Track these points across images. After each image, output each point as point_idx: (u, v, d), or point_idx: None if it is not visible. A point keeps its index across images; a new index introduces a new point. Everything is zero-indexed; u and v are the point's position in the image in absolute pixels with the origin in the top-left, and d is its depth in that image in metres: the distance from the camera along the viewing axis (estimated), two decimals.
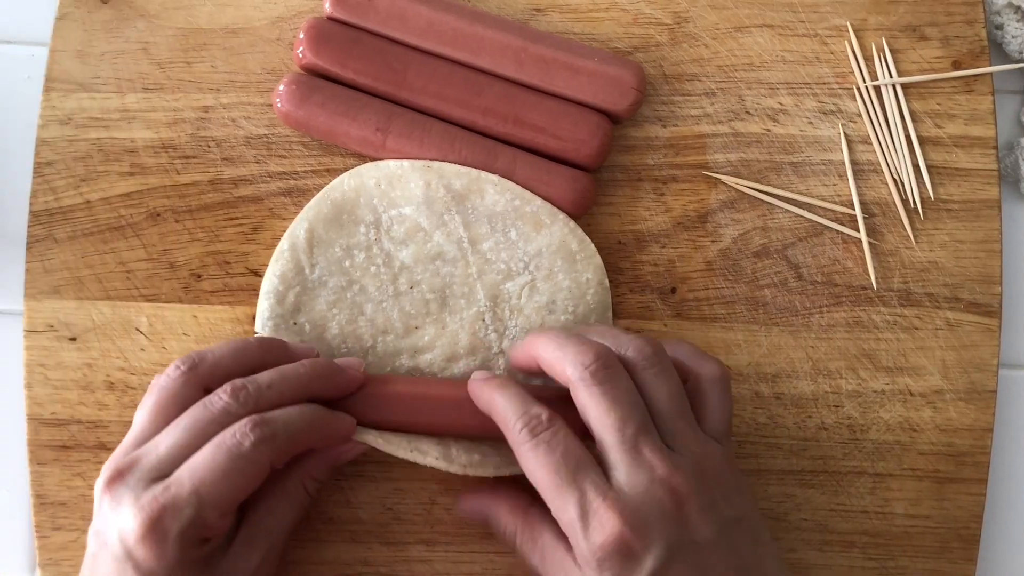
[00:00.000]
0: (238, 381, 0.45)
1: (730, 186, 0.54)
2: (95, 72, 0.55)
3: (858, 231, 0.54)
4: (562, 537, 0.44)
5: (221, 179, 0.54)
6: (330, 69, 0.52)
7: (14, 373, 0.54)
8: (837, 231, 0.54)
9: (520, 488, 0.47)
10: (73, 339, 0.53)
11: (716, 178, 0.54)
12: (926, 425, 0.54)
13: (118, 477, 0.43)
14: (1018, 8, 0.56)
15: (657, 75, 0.55)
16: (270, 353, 0.48)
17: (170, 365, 0.46)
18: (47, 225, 0.54)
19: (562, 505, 0.42)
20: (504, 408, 0.45)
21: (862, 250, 0.54)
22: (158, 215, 0.54)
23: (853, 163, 0.55)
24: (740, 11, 0.55)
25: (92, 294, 0.53)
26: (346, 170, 0.54)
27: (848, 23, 0.55)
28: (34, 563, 0.54)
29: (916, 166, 0.54)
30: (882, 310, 0.54)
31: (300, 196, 0.54)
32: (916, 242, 0.54)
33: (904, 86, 0.55)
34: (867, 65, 0.55)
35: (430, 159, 0.51)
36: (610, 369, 0.44)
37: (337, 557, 0.53)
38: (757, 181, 0.54)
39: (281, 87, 0.52)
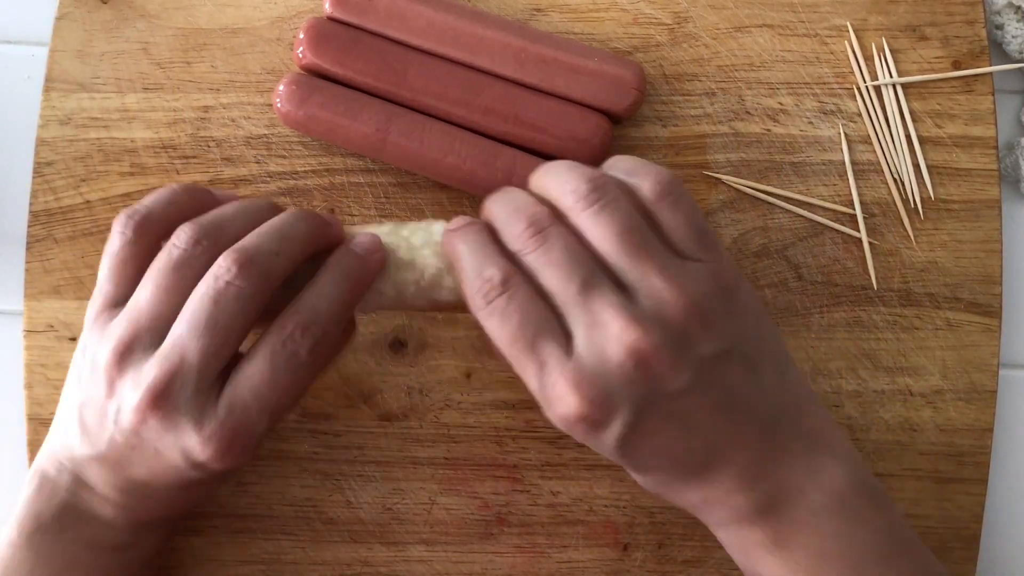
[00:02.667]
0: (243, 254, 0.42)
1: (730, 186, 0.54)
2: (95, 72, 0.55)
3: (858, 231, 0.54)
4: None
5: (221, 179, 0.54)
6: (330, 69, 0.51)
7: (14, 373, 0.54)
8: (837, 231, 0.54)
9: None
10: (73, 339, 0.53)
11: (716, 178, 0.54)
12: (926, 425, 0.54)
13: (163, 397, 0.40)
14: (1018, 8, 0.56)
15: (657, 75, 0.55)
16: (273, 213, 0.45)
17: (182, 234, 0.43)
18: (47, 225, 0.54)
19: (523, 375, 0.41)
20: (463, 267, 0.42)
21: (862, 250, 0.54)
22: None
23: (853, 163, 0.55)
24: (740, 11, 0.55)
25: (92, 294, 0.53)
26: (346, 170, 0.54)
27: (848, 23, 0.55)
28: None
29: (916, 166, 0.54)
30: (882, 310, 0.54)
31: (300, 196, 0.54)
32: (916, 242, 0.54)
33: (904, 86, 0.55)
34: (867, 65, 0.55)
35: (430, 159, 0.51)
36: (542, 231, 0.41)
37: (337, 557, 0.53)
38: (757, 181, 0.54)
39: (281, 87, 0.52)
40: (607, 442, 0.40)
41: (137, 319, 0.42)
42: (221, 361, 0.42)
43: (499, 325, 0.40)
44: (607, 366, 0.39)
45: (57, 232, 0.54)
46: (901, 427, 0.54)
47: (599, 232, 0.40)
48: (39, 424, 0.53)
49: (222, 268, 0.41)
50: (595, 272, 0.40)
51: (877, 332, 0.54)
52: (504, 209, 0.43)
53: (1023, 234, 0.57)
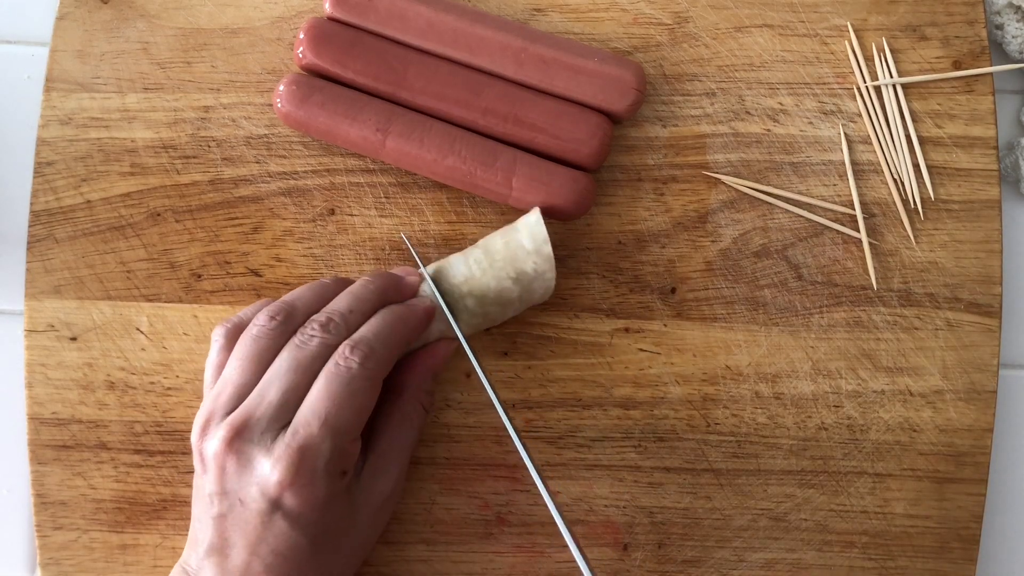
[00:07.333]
0: (322, 316, 0.47)
1: (730, 186, 0.54)
2: (95, 72, 0.55)
3: (858, 231, 0.54)
4: None
5: (221, 179, 0.54)
6: (330, 69, 0.52)
7: (15, 373, 0.54)
8: (837, 231, 0.54)
9: None
10: (74, 339, 0.53)
11: (716, 178, 0.54)
12: (926, 425, 0.54)
13: (237, 435, 0.44)
14: (1018, 8, 0.56)
15: (657, 75, 0.55)
16: (344, 287, 0.49)
17: (260, 316, 0.46)
18: (47, 225, 0.54)
19: None
20: None
21: (862, 250, 0.54)
22: (158, 215, 0.54)
23: (853, 163, 0.55)
24: (740, 11, 0.55)
25: (93, 294, 0.53)
26: (346, 170, 0.54)
27: (848, 23, 0.55)
28: (34, 563, 0.54)
29: (916, 166, 0.54)
30: (882, 310, 0.54)
31: (300, 196, 0.54)
32: (916, 242, 0.54)
33: (904, 86, 0.55)
34: (867, 65, 0.55)
35: (430, 159, 0.51)
36: None
37: None
38: (757, 181, 0.54)
39: (281, 87, 0.52)
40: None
41: (219, 392, 0.46)
42: (299, 400, 0.44)
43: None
44: None
45: (58, 232, 0.54)
46: (901, 427, 0.54)
47: None
48: (39, 424, 0.53)
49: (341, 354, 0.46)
50: None
51: (877, 332, 0.54)
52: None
53: (1023, 234, 0.57)
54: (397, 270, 0.51)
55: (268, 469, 0.43)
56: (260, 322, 0.46)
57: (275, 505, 0.43)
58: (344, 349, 0.45)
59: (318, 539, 0.44)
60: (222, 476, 0.44)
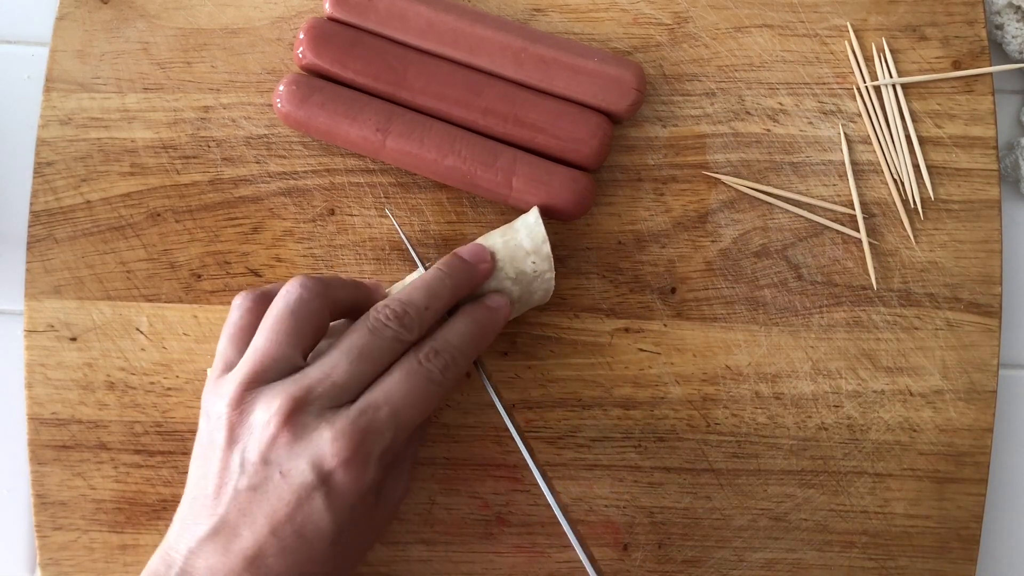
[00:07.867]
0: (398, 306, 0.45)
1: (730, 186, 0.54)
2: (95, 72, 0.55)
3: (858, 231, 0.54)
4: None
5: (221, 179, 0.54)
6: (330, 69, 0.52)
7: (14, 373, 0.54)
8: (837, 231, 0.54)
9: None
10: (74, 339, 0.53)
11: (716, 178, 0.54)
12: (926, 425, 0.54)
13: (298, 408, 0.42)
14: (1018, 8, 0.56)
15: (657, 75, 0.55)
16: (361, 290, 0.48)
17: (294, 283, 0.45)
18: (47, 225, 0.54)
19: None
20: None
21: (862, 250, 0.54)
22: (158, 215, 0.54)
23: (853, 163, 0.55)
24: (740, 11, 0.55)
25: (92, 294, 0.53)
26: (346, 170, 0.54)
27: (848, 23, 0.55)
28: (34, 563, 0.54)
29: (916, 166, 0.54)
30: (882, 310, 0.54)
31: (300, 196, 0.54)
32: (916, 242, 0.54)
33: (904, 86, 0.55)
34: (867, 65, 0.55)
35: (430, 159, 0.51)
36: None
37: None
38: (757, 181, 0.54)
39: (281, 87, 0.52)
40: None
41: (256, 360, 0.44)
42: (360, 387, 0.44)
43: None
44: None
45: (58, 232, 0.54)
46: (901, 427, 0.54)
47: None
48: (39, 424, 0.53)
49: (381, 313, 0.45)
50: None
51: (877, 332, 0.54)
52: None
53: (1023, 234, 0.57)
54: (465, 253, 0.49)
55: (326, 442, 0.42)
56: (296, 292, 0.45)
57: (323, 479, 0.42)
58: (429, 351, 0.45)
59: (343, 528, 0.43)
60: (272, 445, 0.42)
